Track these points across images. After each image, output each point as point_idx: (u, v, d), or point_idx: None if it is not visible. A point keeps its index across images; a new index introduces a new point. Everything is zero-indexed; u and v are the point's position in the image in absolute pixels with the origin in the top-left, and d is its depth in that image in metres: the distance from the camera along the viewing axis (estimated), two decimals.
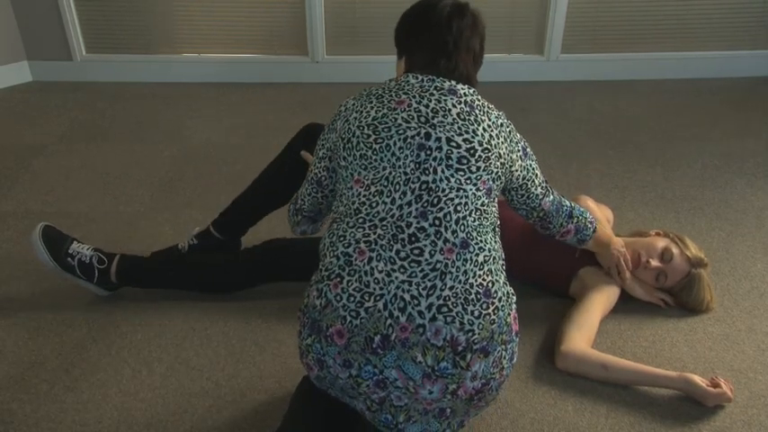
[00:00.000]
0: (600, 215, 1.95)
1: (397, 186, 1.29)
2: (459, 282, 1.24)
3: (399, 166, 1.30)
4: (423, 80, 1.38)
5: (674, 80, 3.60)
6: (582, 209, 1.67)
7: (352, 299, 1.24)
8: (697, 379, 1.60)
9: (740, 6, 3.47)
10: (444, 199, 1.27)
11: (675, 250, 1.85)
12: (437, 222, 1.26)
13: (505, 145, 1.37)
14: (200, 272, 1.90)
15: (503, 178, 1.38)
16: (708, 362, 1.75)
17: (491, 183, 1.34)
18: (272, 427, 1.54)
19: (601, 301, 1.81)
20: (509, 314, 1.29)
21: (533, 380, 1.68)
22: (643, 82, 3.58)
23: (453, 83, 1.38)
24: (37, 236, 1.80)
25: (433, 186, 1.28)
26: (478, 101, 1.37)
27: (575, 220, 1.63)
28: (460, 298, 1.23)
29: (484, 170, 1.32)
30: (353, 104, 1.41)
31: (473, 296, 1.24)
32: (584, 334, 1.71)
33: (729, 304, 1.95)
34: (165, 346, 1.78)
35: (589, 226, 1.67)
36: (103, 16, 3.42)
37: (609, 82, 3.58)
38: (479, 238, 1.28)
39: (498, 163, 1.35)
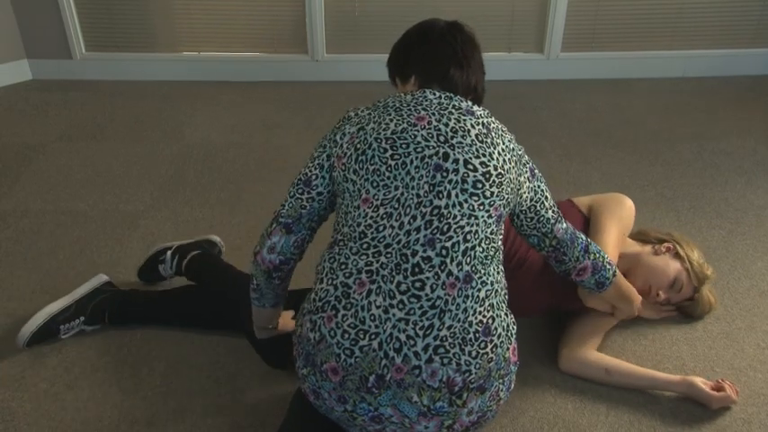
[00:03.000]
0: (618, 220, 1.79)
1: (408, 210, 1.25)
2: (459, 320, 1.21)
3: (413, 188, 1.26)
4: (441, 97, 1.35)
5: (674, 78, 3.60)
6: (599, 248, 1.56)
7: (346, 335, 1.21)
8: (700, 383, 1.59)
9: (740, 4, 3.46)
10: (455, 227, 1.24)
11: (684, 278, 1.78)
12: (444, 252, 1.23)
13: (515, 169, 1.35)
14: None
15: (511, 204, 1.35)
16: (708, 360, 1.75)
17: (502, 209, 1.31)
18: (272, 426, 1.55)
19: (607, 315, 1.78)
20: (508, 349, 1.27)
21: (533, 378, 1.68)
22: (643, 80, 3.58)
23: (470, 103, 1.36)
24: (24, 346, 1.75)
25: (445, 212, 1.24)
26: (494, 123, 1.35)
27: (591, 257, 1.52)
28: (458, 338, 1.20)
29: (497, 195, 1.29)
30: (370, 114, 1.35)
31: (471, 335, 1.21)
32: (588, 339, 1.71)
33: (729, 303, 1.95)
34: (164, 345, 1.78)
35: (608, 267, 1.56)
36: (103, 14, 3.42)
37: (609, 80, 3.58)
38: (483, 271, 1.25)
39: (509, 188, 1.32)
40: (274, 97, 3.37)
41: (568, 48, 3.54)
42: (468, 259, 1.24)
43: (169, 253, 1.95)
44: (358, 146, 1.31)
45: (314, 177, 1.37)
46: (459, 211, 1.25)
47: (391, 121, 1.32)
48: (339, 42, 3.51)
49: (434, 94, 1.35)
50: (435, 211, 1.24)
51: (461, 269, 1.23)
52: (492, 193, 1.28)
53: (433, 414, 1.20)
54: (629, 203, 1.82)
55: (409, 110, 1.33)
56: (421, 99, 1.35)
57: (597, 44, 3.55)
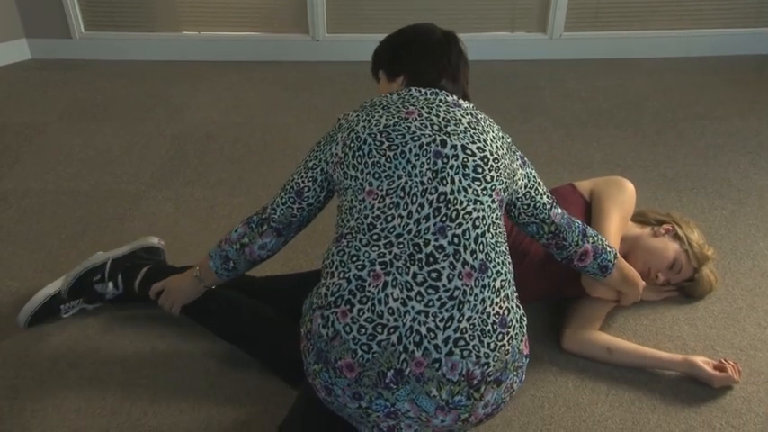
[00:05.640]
0: (618, 204, 1.78)
1: (414, 198, 1.25)
2: (477, 311, 1.20)
3: (416, 175, 1.26)
4: (426, 93, 1.37)
5: (678, 58, 3.57)
6: (595, 231, 1.58)
7: (363, 330, 1.18)
8: (702, 362, 1.60)
9: None
10: (463, 213, 1.24)
11: (684, 259, 1.78)
12: (456, 240, 1.22)
13: (508, 156, 1.36)
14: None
15: (509, 189, 1.36)
16: (708, 339, 1.75)
17: (503, 194, 1.32)
18: (275, 404, 1.55)
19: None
20: (522, 341, 1.26)
21: (534, 357, 1.69)
22: (646, 60, 3.55)
23: (455, 98, 1.38)
24: (25, 327, 1.76)
25: (451, 198, 1.24)
26: (481, 114, 1.37)
27: (590, 240, 1.53)
28: (477, 330, 1.19)
29: (496, 180, 1.29)
30: (357, 116, 1.36)
31: (489, 327, 1.20)
32: (590, 319, 1.72)
33: (731, 282, 1.95)
34: (167, 324, 1.78)
35: (608, 249, 1.56)
36: None
37: (612, 60, 3.55)
38: (497, 260, 1.25)
39: (506, 173, 1.33)
40: (275, 77, 3.35)
41: (571, 27, 3.51)
42: (482, 246, 1.23)
43: (109, 283, 1.80)
44: (351, 145, 1.32)
45: (306, 189, 1.41)
46: (464, 196, 1.25)
47: (381, 117, 1.33)
48: (340, 22, 3.48)
49: (420, 91, 1.38)
50: (442, 198, 1.24)
51: (476, 258, 1.22)
52: (492, 178, 1.29)
53: (450, 408, 1.20)
54: (629, 187, 1.81)
55: (397, 107, 1.35)
56: (407, 96, 1.37)
57: (600, 24, 3.52)
